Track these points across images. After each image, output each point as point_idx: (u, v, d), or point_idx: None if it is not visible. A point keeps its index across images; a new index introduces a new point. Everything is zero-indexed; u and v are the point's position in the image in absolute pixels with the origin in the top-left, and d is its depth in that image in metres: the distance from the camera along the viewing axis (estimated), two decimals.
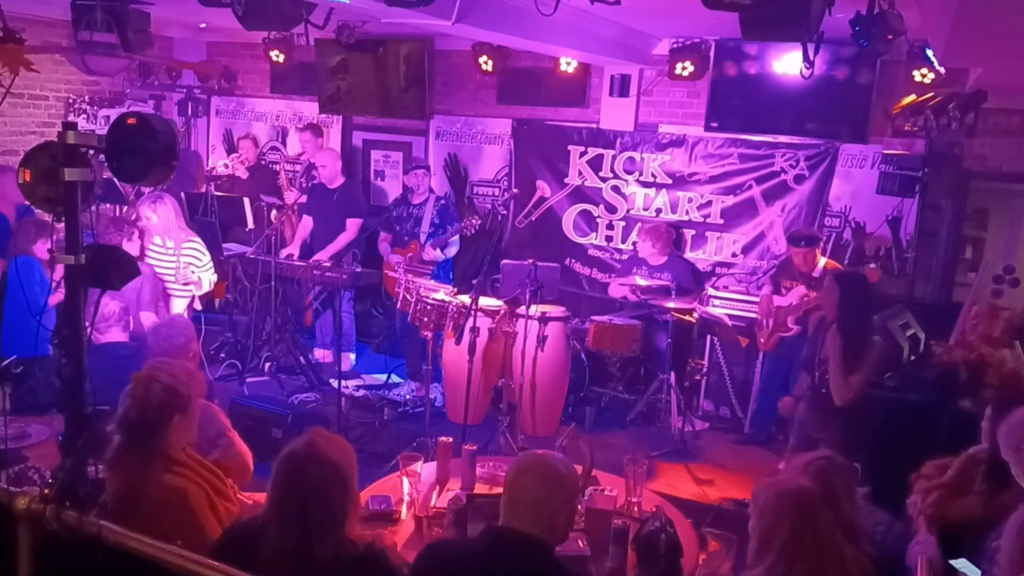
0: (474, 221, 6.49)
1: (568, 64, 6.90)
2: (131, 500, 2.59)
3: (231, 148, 8.51)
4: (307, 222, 7.11)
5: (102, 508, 1.87)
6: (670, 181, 6.87)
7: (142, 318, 4.93)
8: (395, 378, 6.67)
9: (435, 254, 6.59)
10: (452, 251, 6.74)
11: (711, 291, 6.30)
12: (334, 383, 5.79)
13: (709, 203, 6.76)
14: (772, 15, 3.20)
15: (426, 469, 3.65)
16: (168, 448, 2.74)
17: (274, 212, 7.53)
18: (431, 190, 6.88)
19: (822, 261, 5.69)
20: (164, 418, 2.72)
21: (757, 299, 6.06)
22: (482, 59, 7.04)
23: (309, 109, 8.24)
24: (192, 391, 2.84)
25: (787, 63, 6.10)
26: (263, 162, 8.39)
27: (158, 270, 5.45)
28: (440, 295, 5.67)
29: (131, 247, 5.03)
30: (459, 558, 2.39)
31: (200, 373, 3.02)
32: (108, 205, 7.13)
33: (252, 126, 8.63)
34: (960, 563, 2.69)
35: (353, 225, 6.89)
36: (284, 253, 6.75)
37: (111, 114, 7.86)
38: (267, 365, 6.60)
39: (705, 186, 6.76)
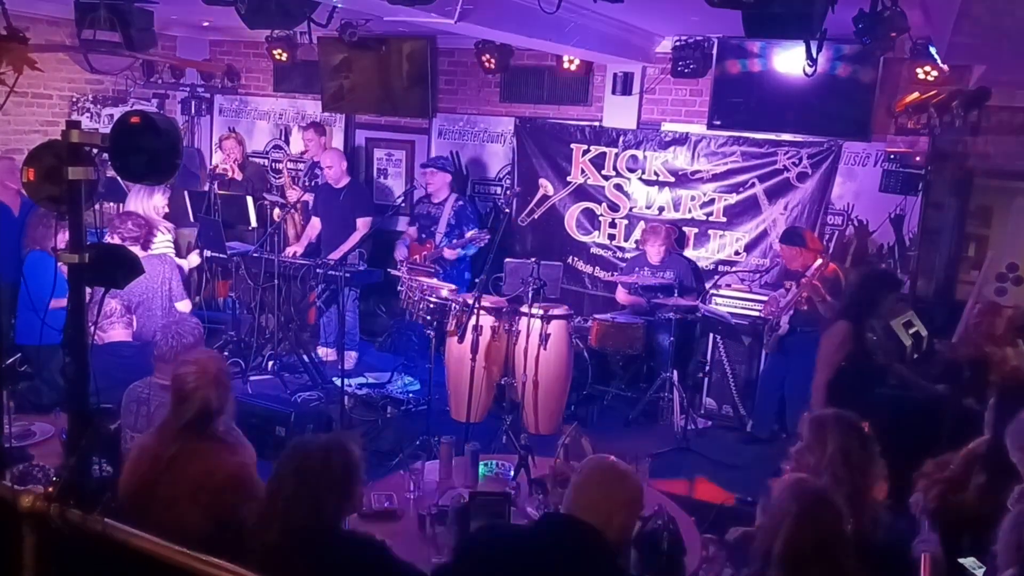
0: (484, 235, 6.51)
1: (571, 62, 6.89)
2: (198, 485, 2.68)
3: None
4: (316, 223, 7.11)
5: (106, 506, 1.87)
6: (673, 179, 6.86)
7: (178, 307, 5.08)
8: (398, 376, 6.67)
9: (456, 253, 6.63)
10: (472, 250, 6.77)
11: (713, 289, 6.29)
12: (337, 381, 5.80)
13: (712, 201, 6.76)
14: (775, 13, 3.20)
15: (429, 467, 3.66)
16: (218, 432, 2.85)
17: (276, 210, 7.52)
18: (452, 190, 6.88)
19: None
20: (219, 407, 2.85)
21: (759, 297, 6.05)
22: (485, 57, 7.02)
23: (312, 107, 8.25)
24: (230, 382, 2.99)
25: (790, 61, 6.08)
26: (260, 160, 8.38)
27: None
28: (444, 293, 5.67)
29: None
30: (512, 539, 2.46)
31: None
32: (111, 204, 7.13)
33: (255, 124, 8.63)
34: (967, 561, 2.68)
35: (364, 224, 6.91)
36: (288, 252, 6.75)
37: (115, 113, 7.87)
38: (270, 363, 6.59)
39: (708, 184, 6.75)
